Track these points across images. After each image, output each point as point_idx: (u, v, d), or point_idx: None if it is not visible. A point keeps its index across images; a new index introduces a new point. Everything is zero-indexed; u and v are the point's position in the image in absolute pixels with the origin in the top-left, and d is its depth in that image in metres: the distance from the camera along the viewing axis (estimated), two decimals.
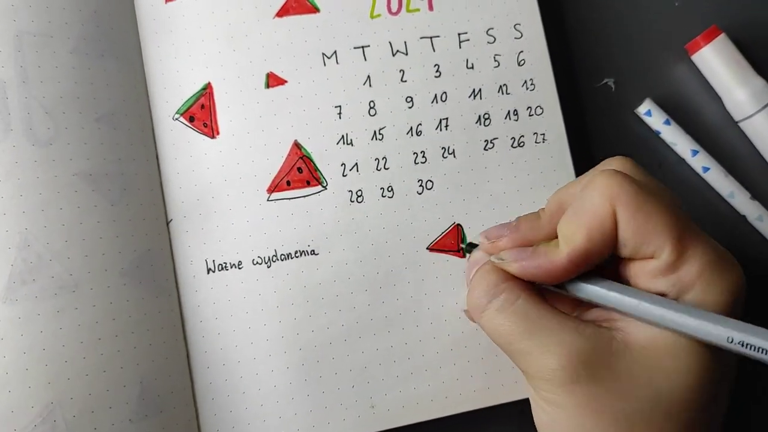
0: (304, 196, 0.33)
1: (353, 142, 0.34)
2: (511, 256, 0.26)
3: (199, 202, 0.33)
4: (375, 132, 0.34)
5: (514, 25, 0.36)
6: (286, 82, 0.34)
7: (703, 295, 0.24)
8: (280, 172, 0.33)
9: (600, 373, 0.24)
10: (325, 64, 0.35)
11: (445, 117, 0.35)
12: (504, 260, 0.26)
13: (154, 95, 0.33)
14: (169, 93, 0.33)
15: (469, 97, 0.35)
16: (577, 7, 0.39)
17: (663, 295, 0.25)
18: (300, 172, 0.34)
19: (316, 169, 0.34)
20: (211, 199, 0.33)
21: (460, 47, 0.35)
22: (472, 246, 0.31)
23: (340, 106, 0.34)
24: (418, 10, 0.36)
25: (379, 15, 0.35)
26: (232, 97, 0.34)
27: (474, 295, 0.27)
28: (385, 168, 0.34)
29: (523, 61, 0.36)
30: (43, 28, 0.31)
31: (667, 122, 0.37)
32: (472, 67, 0.35)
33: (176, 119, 0.33)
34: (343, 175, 0.34)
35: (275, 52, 0.34)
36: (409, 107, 0.35)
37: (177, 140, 0.33)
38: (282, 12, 0.35)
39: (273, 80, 0.34)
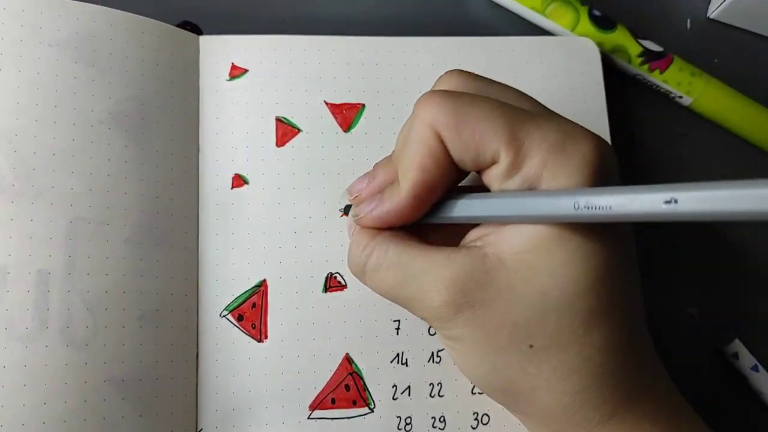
0: (348, 418, 0.30)
1: (408, 362, 0.31)
2: (365, 209, 0.26)
3: (235, 413, 0.30)
4: (433, 354, 0.32)
5: None
6: (345, 287, 0.32)
7: (555, 181, 0.22)
8: (326, 387, 0.31)
9: (480, 296, 0.23)
10: None
11: None
12: (359, 216, 0.26)
13: (204, 288, 0.31)
14: (221, 287, 0.31)
15: None
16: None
17: None
18: (347, 390, 0.31)
19: (365, 388, 0.31)
20: (248, 411, 0.30)
21: None
22: (349, 207, 0.29)
23: (399, 321, 0.32)
24: None
25: None
26: (287, 299, 0.31)
27: (353, 261, 0.27)
28: (439, 395, 0.31)
29: None
30: (100, 214, 0.28)
31: (755, 368, 0.34)
32: None
33: (224, 316, 0.31)
34: (393, 398, 0.31)
35: (338, 254, 0.32)
36: None
37: (221, 340, 0.30)
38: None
39: (332, 284, 0.32)
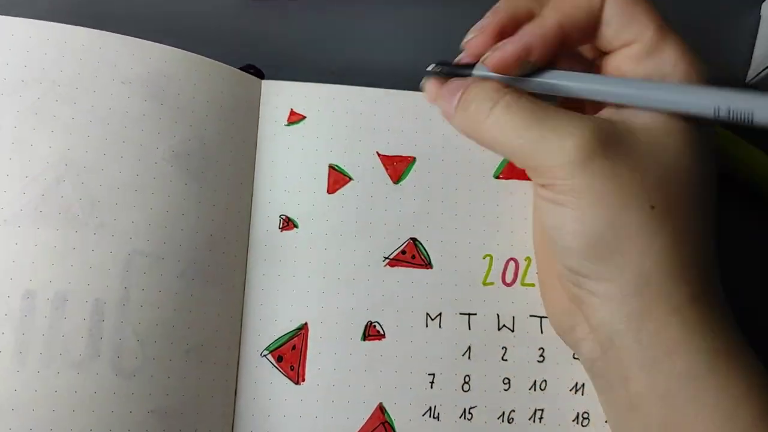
0: None
1: (440, 417, 0.32)
2: (502, 43, 0.26)
3: None
4: (465, 410, 0.32)
5: None
6: (384, 337, 0.32)
7: (688, 76, 0.25)
8: None
9: (615, 149, 0.24)
10: (427, 326, 0.33)
11: (540, 408, 0.33)
12: (494, 49, 0.26)
13: (248, 327, 0.32)
14: (263, 327, 0.32)
15: (571, 390, 0.33)
16: None
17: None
18: None
19: None
20: None
21: None
22: (443, 66, 0.28)
23: (433, 375, 0.32)
24: (533, 285, 0.34)
25: (492, 283, 0.34)
26: (327, 344, 0.32)
27: (473, 106, 0.26)
28: None
29: None
30: (157, 248, 0.29)
31: None
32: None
33: (264, 356, 0.31)
34: None
35: (379, 303, 0.33)
36: (505, 389, 0.33)
37: (260, 379, 0.31)
38: (394, 261, 0.33)
39: (371, 333, 0.32)
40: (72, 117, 0.29)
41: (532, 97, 0.26)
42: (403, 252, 0.34)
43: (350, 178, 0.34)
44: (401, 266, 0.33)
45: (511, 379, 0.33)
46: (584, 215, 0.25)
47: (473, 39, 0.28)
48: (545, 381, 0.33)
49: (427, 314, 0.33)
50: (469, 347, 0.33)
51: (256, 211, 0.33)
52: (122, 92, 0.31)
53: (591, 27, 0.26)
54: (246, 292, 0.32)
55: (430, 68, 0.29)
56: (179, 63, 0.32)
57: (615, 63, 0.27)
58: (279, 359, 0.32)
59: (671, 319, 0.25)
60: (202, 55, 0.33)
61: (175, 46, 0.32)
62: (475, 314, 0.33)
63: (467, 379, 0.32)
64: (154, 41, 0.32)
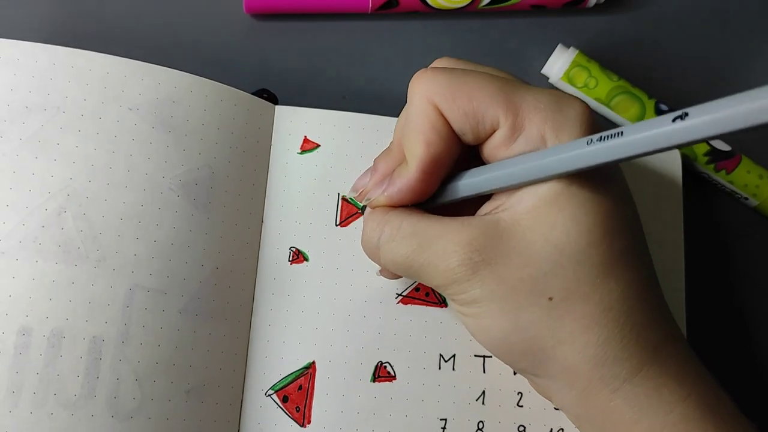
0: None
1: None
2: (375, 192, 0.26)
3: None
4: None
5: None
6: (394, 378, 0.31)
7: (559, 138, 0.23)
8: None
9: (496, 252, 0.24)
10: (440, 368, 0.31)
11: None
12: (371, 199, 0.26)
13: (253, 364, 0.30)
14: (269, 365, 0.30)
15: None
16: None
17: None
18: None
19: None
20: None
21: None
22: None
23: (445, 420, 0.31)
24: None
25: None
26: (334, 384, 0.30)
27: (365, 239, 0.27)
28: None
29: None
30: (159, 283, 0.28)
31: None
32: None
33: (269, 395, 0.30)
34: None
35: (391, 343, 0.31)
36: None
37: (264, 420, 0.30)
38: (407, 299, 0.32)
39: (382, 374, 0.31)
40: (76, 145, 0.28)
41: (414, 214, 0.26)
42: (417, 289, 0.32)
43: (363, 211, 0.33)
44: (414, 304, 0.32)
45: (526, 426, 0.31)
46: (489, 324, 0.25)
47: (357, 196, 0.28)
48: (562, 429, 0.31)
49: (441, 355, 0.32)
50: (484, 392, 0.31)
51: (265, 243, 0.32)
52: (129, 119, 0.29)
53: (451, 146, 0.25)
54: (252, 328, 0.31)
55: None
56: (189, 88, 0.31)
57: (489, 154, 0.25)
58: (284, 399, 0.30)
59: (612, 404, 0.24)
60: (213, 79, 0.32)
61: (185, 71, 0.31)
62: (491, 357, 0.32)
63: (481, 426, 0.31)
64: (163, 65, 0.30)
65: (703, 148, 0.37)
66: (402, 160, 0.26)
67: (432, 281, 0.25)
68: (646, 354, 0.24)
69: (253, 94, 0.33)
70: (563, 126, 0.23)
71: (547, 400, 0.30)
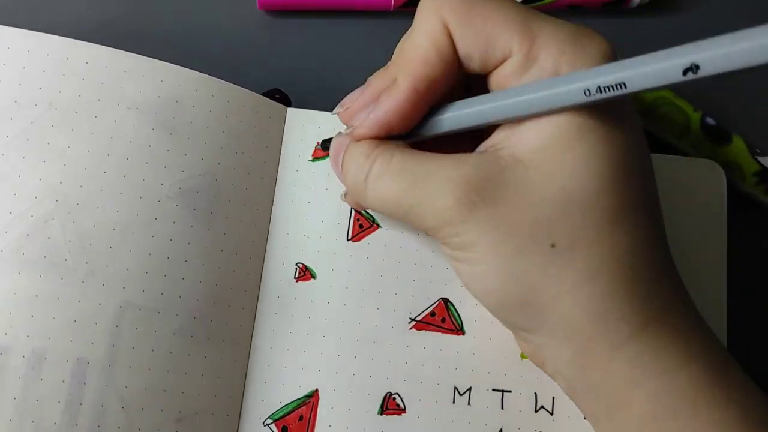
0: None
1: None
2: (361, 116, 0.24)
3: None
4: None
5: None
6: (404, 412, 0.29)
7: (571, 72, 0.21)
8: None
9: (496, 192, 0.22)
10: (454, 401, 0.29)
11: None
12: (355, 126, 0.24)
13: (251, 390, 0.28)
14: (269, 391, 0.28)
15: None
16: None
17: None
18: None
19: None
20: None
21: None
22: (328, 141, 0.27)
23: None
24: None
25: None
26: (338, 416, 0.28)
27: (350, 177, 0.25)
28: None
29: None
30: (152, 300, 0.26)
31: None
32: None
33: (267, 425, 0.28)
34: None
35: (401, 372, 0.29)
36: None
37: None
38: (421, 324, 0.29)
39: (390, 406, 0.28)
40: (68, 146, 0.26)
41: (405, 149, 0.24)
42: (432, 314, 0.30)
43: (378, 225, 0.30)
44: (429, 330, 0.29)
45: None
46: (484, 271, 0.22)
47: (342, 112, 0.25)
48: None
49: (455, 388, 0.29)
50: (501, 430, 0.29)
51: (270, 258, 0.29)
52: (127, 119, 0.27)
53: (451, 71, 0.23)
54: (252, 351, 0.28)
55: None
56: (194, 87, 0.28)
57: (498, 83, 0.23)
58: (283, 430, 0.28)
59: (613, 365, 0.22)
60: (221, 78, 0.29)
61: (192, 68, 0.28)
62: (510, 392, 0.29)
63: None
64: (168, 62, 0.28)
65: (752, 167, 0.34)
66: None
67: (423, 223, 0.23)
68: (652, 311, 0.22)
69: (263, 94, 0.31)
70: (581, 61, 0.21)
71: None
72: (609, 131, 0.22)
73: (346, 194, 0.28)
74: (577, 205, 0.21)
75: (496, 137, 0.23)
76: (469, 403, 0.29)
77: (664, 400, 0.22)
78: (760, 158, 0.34)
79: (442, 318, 0.30)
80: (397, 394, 0.29)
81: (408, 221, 0.24)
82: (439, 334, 0.30)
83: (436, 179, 0.22)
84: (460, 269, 0.24)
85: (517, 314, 0.23)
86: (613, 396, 0.22)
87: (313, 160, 0.31)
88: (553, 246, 0.22)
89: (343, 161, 0.25)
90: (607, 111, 0.21)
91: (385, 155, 0.24)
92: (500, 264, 0.22)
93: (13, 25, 0.27)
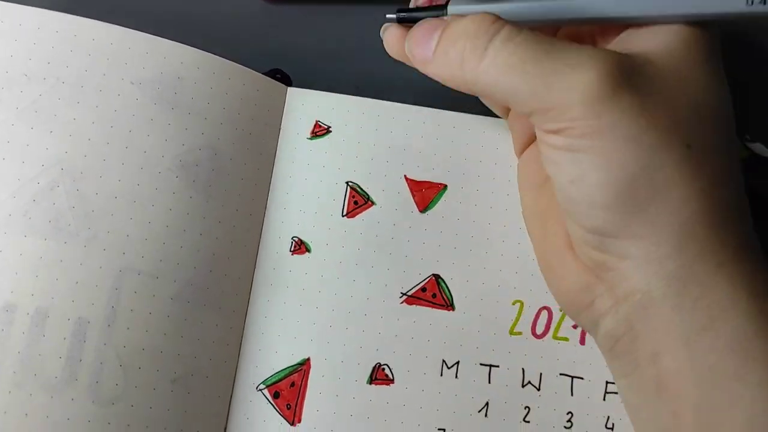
0: None
1: None
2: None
3: None
4: None
5: None
6: (392, 382, 0.29)
7: None
8: None
9: (640, 81, 0.21)
10: (442, 374, 0.30)
11: None
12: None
13: (245, 357, 0.29)
14: (262, 357, 0.29)
15: None
16: None
17: None
18: None
19: None
20: None
21: (604, 399, 0.29)
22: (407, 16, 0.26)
23: (444, 430, 0.29)
24: (566, 339, 0.30)
25: (520, 333, 0.30)
26: (328, 384, 0.29)
27: (463, 41, 0.23)
28: None
29: None
30: (151, 266, 0.27)
31: None
32: (612, 429, 0.29)
33: (260, 390, 0.29)
34: None
35: (391, 344, 0.30)
36: None
37: (252, 415, 0.29)
38: (412, 299, 0.30)
39: (379, 376, 0.29)
40: (74, 117, 0.27)
41: (532, 31, 0.22)
42: (423, 289, 0.30)
43: (372, 203, 0.31)
44: (419, 305, 0.30)
45: None
46: (611, 161, 0.21)
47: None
48: None
49: (444, 361, 0.30)
50: (487, 403, 0.29)
51: (267, 231, 0.30)
52: (131, 93, 0.28)
53: None
54: (247, 319, 0.30)
55: (390, 16, 0.26)
56: (196, 64, 0.29)
57: None
58: (275, 395, 0.29)
59: (717, 279, 0.21)
60: (224, 57, 0.30)
61: (195, 47, 0.29)
62: (498, 366, 0.30)
63: None
64: (172, 40, 0.29)
65: (741, 153, 0.34)
66: None
67: (548, 100, 0.21)
68: (746, 235, 0.22)
69: (265, 74, 0.32)
70: None
71: (556, 420, 0.28)
72: (720, 62, 0.23)
73: (430, 64, 0.25)
74: (711, 111, 0.22)
75: (619, 44, 0.23)
76: (456, 377, 0.30)
77: (761, 322, 0.21)
78: (749, 144, 0.34)
79: (433, 293, 0.31)
80: (386, 365, 0.30)
81: (523, 98, 0.22)
82: (430, 308, 0.30)
83: (576, 54, 0.21)
84: (575, 161, 0.22)
85: (627, 215, 0.22)
86: (705, 314, 0.21)
87: (311, 138, 0.32)
88: (688, 146, 0.21)
89: (443, 34, 0.24)
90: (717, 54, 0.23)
91: (513, 26, 0.22)
92: (634, 156, 0.21)
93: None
